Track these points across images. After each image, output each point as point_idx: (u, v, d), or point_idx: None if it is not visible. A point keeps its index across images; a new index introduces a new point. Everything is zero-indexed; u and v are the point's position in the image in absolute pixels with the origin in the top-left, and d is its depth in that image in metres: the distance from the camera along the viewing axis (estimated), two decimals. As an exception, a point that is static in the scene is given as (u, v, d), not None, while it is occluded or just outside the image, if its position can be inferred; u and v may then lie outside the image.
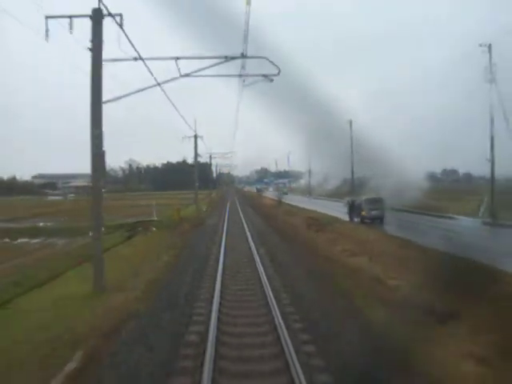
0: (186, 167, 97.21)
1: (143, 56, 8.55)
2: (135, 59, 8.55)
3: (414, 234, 15.56)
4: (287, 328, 5.52)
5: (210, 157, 44.53)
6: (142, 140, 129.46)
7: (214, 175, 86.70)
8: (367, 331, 5.56)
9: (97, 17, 8.11)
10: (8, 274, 11.29)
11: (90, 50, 8.13)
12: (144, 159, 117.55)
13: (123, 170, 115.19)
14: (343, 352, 4.85)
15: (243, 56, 8.49)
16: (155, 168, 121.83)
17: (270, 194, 59.76)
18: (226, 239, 15.03)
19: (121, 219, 25.03)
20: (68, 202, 61.84)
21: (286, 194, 65.70)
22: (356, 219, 19.88)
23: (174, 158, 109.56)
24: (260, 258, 11.02)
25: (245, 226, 19.48)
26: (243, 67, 9.21)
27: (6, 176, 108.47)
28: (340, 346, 5.07)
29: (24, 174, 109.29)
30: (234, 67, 9.22)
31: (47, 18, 8.18)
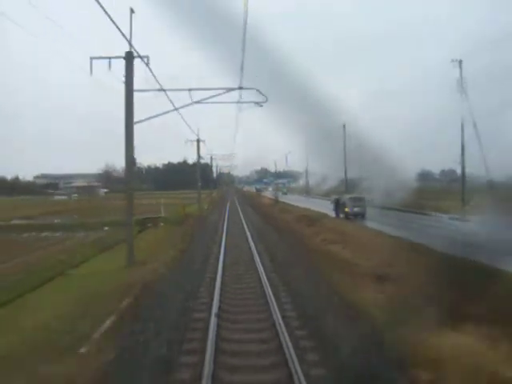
0: (186, 167, 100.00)
1: (165, 87, 11.27)
2: (158, 90, 11.31)
3: (388, 227, 18.41)
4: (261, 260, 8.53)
5: (211, 158, 47.36)
6: (144, 141, 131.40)
7: (215, 175, 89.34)
8: (315, 278, 8.44)
9: (129, 58, 10.91)
10: (52, 256, 14.15)
11: (124, 83, 10.94)
12: (145, 160, 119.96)
13: (124, 170, 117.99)
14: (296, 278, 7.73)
15: (240, 88, 11.27)
16: (156, 168, 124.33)
17: (269, 193, 62.37)
18: (226, 231, 17.89)
19: (135, 215, 27.83)
20: (73, 202, 64.64)
21: (285, 193, 67.81)
22: (341, 215, 22.69)
23: (175, 159, 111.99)
24: (253, 243, 13.87)
25: (243, 221, 22.35)
26: (240, 96, 11.99)
27: (9, 176, 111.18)
28: (296, 279, 7.94)
29: (25, 174, 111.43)
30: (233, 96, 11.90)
31: (92, 58, 10.96)
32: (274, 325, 5.73)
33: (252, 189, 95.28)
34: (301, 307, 6.73)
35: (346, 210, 21.93)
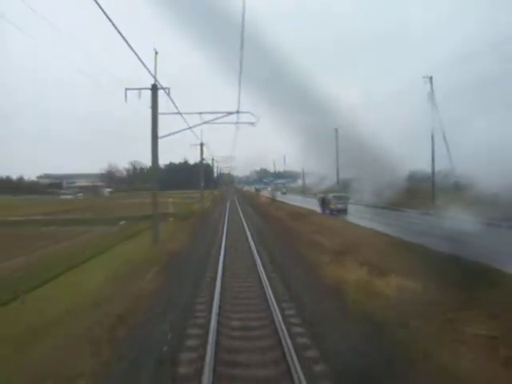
0: (187, 168, 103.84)
1: (181, 110, 15.19)
2: (176, 113, 15.21)
3: (363, 221, 22.24)
4: (253, 241, 12.32)
5: (213, 159, 51.23)
6: (145, 142, 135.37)
7: (215, 175, 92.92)
8: (299, 256, 12.29)
9: (154, 89, 14.76)
10: (87, 242, 18.03)
11: (151, 108, 14.79)
12: (147, 160, 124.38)
13: (127, 171, 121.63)
14: (282, 255, 11.58)
15: (238, 112, 15.11)
16: (157, 168, 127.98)
17: (267, 193, 66.05)
18: (227, 224, 21.73)
19: (142, 212, 31.71)
20: (80, 201, 68.48)
21: (284, 193, 70.89)
22: (327, 211, 26.52)
23: (175, 159, 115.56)
24: (250, 233, 17.67)
25: (241, 216, 26.22)
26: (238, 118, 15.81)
27: (14, 176, 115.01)
28: (284, 262, 11.80)
29: (28, 174, 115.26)
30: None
31: (127, 89, 14.80)
32: (255, 264, 9.65)
33: (252, 189, 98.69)
34: (273, 260, 10.62)
35: (331, 206, 25.82)
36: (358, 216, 25.76)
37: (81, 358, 4.86)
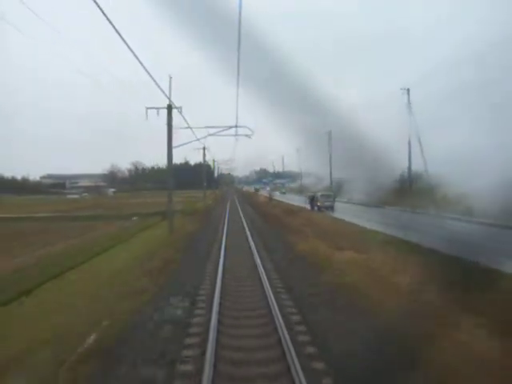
0: (188, 168, 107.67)
1: (191, 125, 19.28)
2: (187, 127, 19.29)
3: (346, 216, 26.29)
4: (248, 228, 16.44)
5: (214, 161, 55.32)
6: (148, 143, 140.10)
7: (216, 175, 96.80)
8: (281, 237, 16.42)
9: (169, 108, 18.80)
10: (110, 233, 22.17)
11: (167, 124, 18.85)
12: (149, 161, 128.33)
13: (129, 171, 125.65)
14: (270, 240, 15.73)
15: (236, 126, 18.96)
16: (159, 169, 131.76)
17: (265, 192, 70.13)
18: (228, 218, 25.84)
19: (151, 209, 35.90)
20: (87, 200, 72.46)
21: (284, 193, 74.70)
22: (315, 208, 30.62)
23: (176, 159, 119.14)
24: (247, 225, 21.78)
25: (240, 211, 30.34)
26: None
27: (17, 176, 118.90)
28: (270, 241, 15.94)
29: (30, 174, 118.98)
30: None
31: (147, 108, 18.81)
32: (247, 241, 13.76)
33: (251, 189, 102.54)
34: (263, 242, 14.72)
35: (319, 203, 29.94)
36: (342, 212, 29.78)
37: (143, 283, 8.94)
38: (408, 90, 31.14)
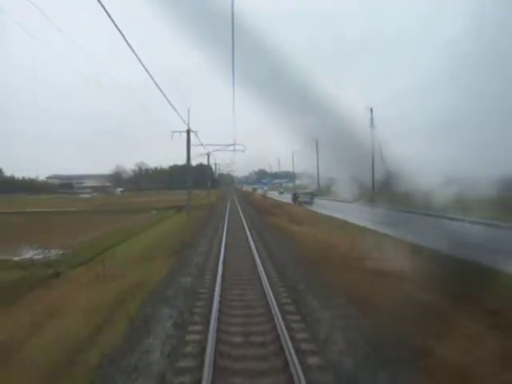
0: (192, 169, 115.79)
1: (204, 142, 28.06)
2: (200, 145, 28.09)
3: (321, 209, 35.18)
4: (243, 216, 25.52)
5: (215, 164, 64.36)
6: (150, 144, 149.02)
7: (216, 176, 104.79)
8: (264, 220, 25.45)
9: (188, 132, 27.64)
10: (140, 221, 31.09)
11: (186, 144, 27.68)
12: (152, 161, 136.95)
13: (134, 172, 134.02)
14: (254, 218, 24.76)
15: (234, 144, 27.15)
16: (162, 170, 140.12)
17: (261, 191, 78.93)
18: (229, 210, 34.82)
19: (164, 205, 44.96)
20: (99, 199, 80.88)
21: (282, 193, 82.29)
22: (297, 203, 39.57)
23: (178, 160, 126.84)
24: (243, 214, 30.74)
25: (238, 206, 39.31)
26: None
27: (26, 177, 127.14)
28: (257, 226, 24.98)
29: (33, 174, 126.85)
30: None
31: (173, 132, 27.60)
32: (243, 226, 22.78)
33: (250, 189, 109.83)
34: (251, 220, 23.73)
35: (299, 199, 38.90)
36: (319, 206, 38.61)
37: (187, 234, 17.85)
38: (371, 109, 39.83)
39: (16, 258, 13.65)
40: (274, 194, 70.63)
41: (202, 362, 5.13)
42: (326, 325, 6.48)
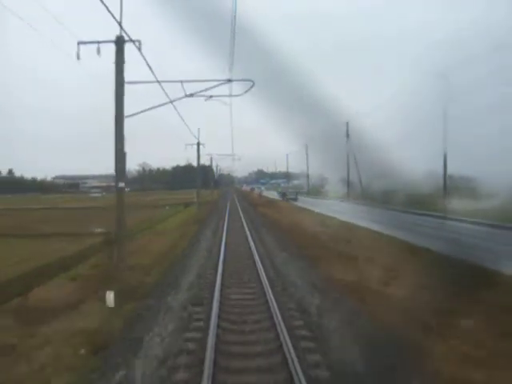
0: (191, 170, 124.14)
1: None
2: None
3: (301, 204, 45.00)
4: (240, 208, 35.42)
5: (217, 167, 74.08)
6: (154, 146, 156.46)
7: (216, 176, 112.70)
8: (256, 210, 35.29)
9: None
10: (157, 214, 40.78)
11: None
12: (155, 162, 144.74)
13: (138, 172, 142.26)
14: (248, 210, 34.66)
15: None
16: (164, 170, 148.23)
17: (258, 190, 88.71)
18: (230, 205, 44.60)
19: (173, 202, 54.62)
20: (110, 198, 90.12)
21: (298, 192, 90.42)
22: (284, 199, 49.30)
23: (179, 161, 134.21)
24: (240, 207, 40.53)
25: (236, 202, 49.15)
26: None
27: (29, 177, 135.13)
28: (249, 213, 34.87)
29: (39, 175, 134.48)
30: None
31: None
32: (239, 213, 32.56)
33: (248, 188, 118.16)
34: (246, 211, 33.60)
35: (287, 196, 48.66)
36: (302, 202, 48.39)
37: (191, 226, 27.54)
38: (347, 123, 49.43)
39: (98, 230, 23.13)
40: (273, 194, 77.01)
41: (222, 243, 14.92)
42: (268, 239, 16.28)
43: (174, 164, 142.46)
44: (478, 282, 7.28)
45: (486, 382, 4.50)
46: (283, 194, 50.18)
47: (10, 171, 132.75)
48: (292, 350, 5.49)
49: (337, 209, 31.50)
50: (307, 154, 62.86)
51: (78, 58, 11.09)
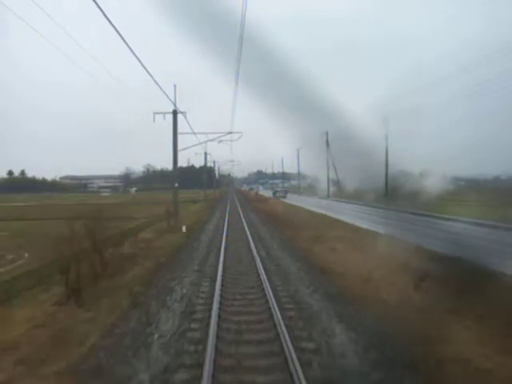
0: (194, 170, 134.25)
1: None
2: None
3: (288, 200, 56.78)
4: (239, 203, 47.37)
5: (218, 168, 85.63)
6: (157, 148, 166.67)
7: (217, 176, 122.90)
8: (251, 205, 47.18)
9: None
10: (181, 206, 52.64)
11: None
12: (157, 163, 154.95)
13: (143, 173, 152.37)
14: (244, 204, 46.61)
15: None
16: (168, 171, 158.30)
17: (255, 190, 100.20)
18: (230, 201, 56.36)
19: (182, 199, 66.32)
20: (121, 197, 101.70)
21: (287, 192, 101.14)
22: (275, 197, 60.89)
23: (181, 162, 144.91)
24: (238, 201, 52.33)
25: (235, 199, 60.96)
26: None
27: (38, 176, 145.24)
28: (245, 205, 46.77)
29: (48, 175, 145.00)
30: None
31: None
32: (237, 205, 44.36)
33: (247, 188, 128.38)
34: (243, 205, 45.53)
35: (277, 195, 60.38)
36: (289, 199, 60.03)
37: (206, 210, 39.21)
38: (326, 132, 61.07)
39: (137, 216, 34.98)
40: (269, 193, 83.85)
41: (226, 217, 26.74)
42: (252, 216, 28.07)
43: (179, 166, 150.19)
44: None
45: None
46: (274, 193, 61.83)
47: (23, 172, 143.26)
48: (251, 240, 17.66)
49: (312, 203, 43.08)
50: (298, 158, 75.04)
51: (154, 120, 23.73)
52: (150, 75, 14.13)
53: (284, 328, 6.62)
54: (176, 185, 23.72)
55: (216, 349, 5.99)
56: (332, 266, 11.04)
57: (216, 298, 8.36)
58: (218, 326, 6.92)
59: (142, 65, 12.90)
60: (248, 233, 19.25)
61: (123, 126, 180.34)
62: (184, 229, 20.01)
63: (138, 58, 12.42)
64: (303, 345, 6.16)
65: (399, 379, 5.09)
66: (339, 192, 58.11)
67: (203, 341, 6.33)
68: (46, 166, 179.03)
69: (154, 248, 15.82)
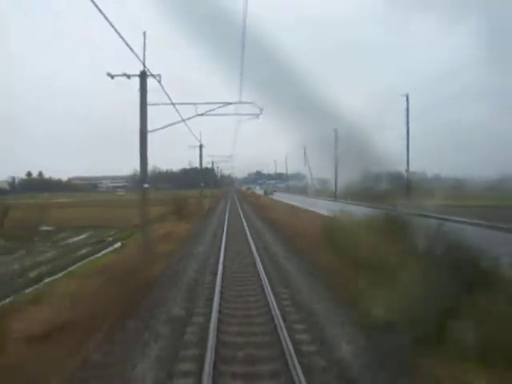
0: (196, 172, 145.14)
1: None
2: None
3: (276, 197, 73.61)
4: (237, 199, 64.59)
5: (219, 170, 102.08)
6: (161, 150, 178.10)
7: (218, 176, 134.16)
8: (246, 199, 64.25)
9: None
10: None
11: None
12: (161, 164, 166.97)
13: (150, 173, 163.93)
14: (241, 199, 63.77)
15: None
16: (172, 172, 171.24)
17: (252, 189, 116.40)
18: (230, 199, 73.27)
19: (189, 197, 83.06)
20: (134, 195, 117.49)
21: (275, 191, 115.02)
22: (265, 194, 77.62)
23: (182, 163, 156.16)
24: (237, 198, 69.33)
25: (235, 198, 77.87)
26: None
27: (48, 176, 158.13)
28: (241, 200, 63.97)
29: (57, 175, 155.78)
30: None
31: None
32: (235, 199, 61.41)
33: (246, 188, 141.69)
34: (239, 200, 63.01)
35: (267, 192, 77.29)
36: (278, 196, 76.43)
37: (214, 202, 56.10)
38: (305, 146, 77.76)
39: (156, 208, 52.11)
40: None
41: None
42: (245, 206, 45.21)
43: (177, 165, 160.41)
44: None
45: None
46: (265, 191, 78.81)
47: (40, 173, 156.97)
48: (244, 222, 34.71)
49: (298, 200, 59.37)
50: (286, 161, 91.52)
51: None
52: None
53: (249, 234, 21.40)
54: (202, 184, 40.54)
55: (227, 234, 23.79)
56: (276, 220, 27.86)
57: (226, 221, 27.58)
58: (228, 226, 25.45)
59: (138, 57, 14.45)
60: (240, 210, 37.08)
61: (129, 128, 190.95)
62: (206, 207, 37.16)
63: (142, 63, 15.10)
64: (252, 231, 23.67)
65: (270, 225, 25.15)
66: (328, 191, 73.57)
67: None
68: (58, 167, 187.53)
69: (199, 210, 33.85)
